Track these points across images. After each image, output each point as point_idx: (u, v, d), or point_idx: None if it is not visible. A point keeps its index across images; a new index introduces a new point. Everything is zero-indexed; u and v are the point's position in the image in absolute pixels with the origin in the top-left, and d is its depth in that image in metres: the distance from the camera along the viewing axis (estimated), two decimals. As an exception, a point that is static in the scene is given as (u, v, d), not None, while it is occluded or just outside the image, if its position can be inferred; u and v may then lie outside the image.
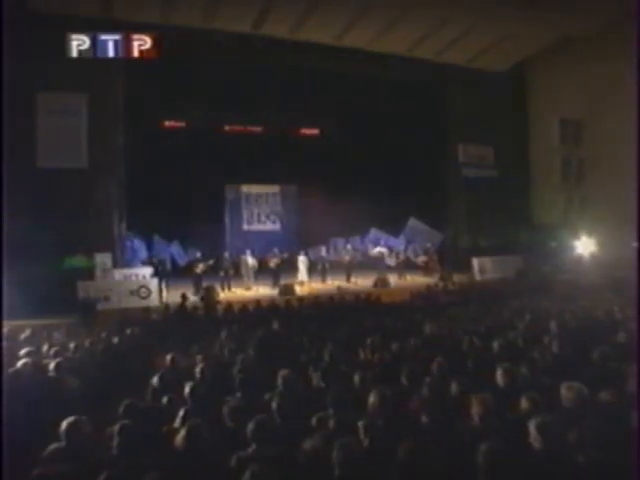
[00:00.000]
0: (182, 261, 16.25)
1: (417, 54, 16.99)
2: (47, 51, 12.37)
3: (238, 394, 4.25)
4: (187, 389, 4.13)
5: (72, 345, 6.99)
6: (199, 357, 5.90)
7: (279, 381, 4.28)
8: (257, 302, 11.13)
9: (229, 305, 10.87)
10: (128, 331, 8.20)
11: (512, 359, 4.54)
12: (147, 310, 10.37)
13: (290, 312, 10.17)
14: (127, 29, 11.64)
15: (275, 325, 8.17)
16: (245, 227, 20.36)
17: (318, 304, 11.14)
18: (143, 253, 15.83)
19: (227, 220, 20.11)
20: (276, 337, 7.16)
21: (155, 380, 4.81)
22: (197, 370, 4.86)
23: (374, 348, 5.68)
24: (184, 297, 10.87)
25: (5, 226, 11.11)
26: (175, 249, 16.64)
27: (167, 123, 18.80)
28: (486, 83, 18.60)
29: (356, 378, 4.24)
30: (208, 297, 11.99)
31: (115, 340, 7.41)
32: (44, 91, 13.05)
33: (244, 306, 10.64)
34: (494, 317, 8.24)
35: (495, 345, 5.34)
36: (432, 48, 16.84)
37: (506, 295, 11.70)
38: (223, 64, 15.91)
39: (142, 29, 12.58)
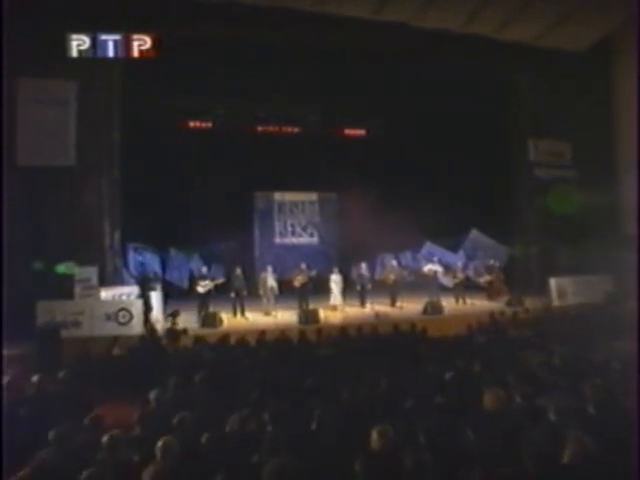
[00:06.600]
0: (202, 278, 14.36)
1: (473, 30, 14.00)
2: (30, 31, 10.67)
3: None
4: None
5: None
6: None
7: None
8: (261, 333, 8.61)
9: (224, 337, 8.37)
10: (61, 374, 6.04)
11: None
12: (115, 340, 7.99)
13: (297, 352, 7.50)
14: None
15: (258, 374, 5.61)
16: (277, 240, 17.98)
17: (342, 339, 8.46)
18: (156, 268, 13.96)
19: (256, 232, 17.83)
20: (243, 399, 4.56)
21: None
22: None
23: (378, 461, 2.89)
24: (152, 329, 8.44)
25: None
26: (195, 264, 14.66)
27: (192, 124, 16.83)
28: (561, 65, 15.49)
29: None
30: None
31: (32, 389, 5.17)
32: (26, 76, 11.23)
33: (242, 339, 8.14)
34: (587, 373, 5.24)
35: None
36: (491, 22, 13.80)
37: (597, 330, 8.63)
38: (252, 51, 13.55)
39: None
